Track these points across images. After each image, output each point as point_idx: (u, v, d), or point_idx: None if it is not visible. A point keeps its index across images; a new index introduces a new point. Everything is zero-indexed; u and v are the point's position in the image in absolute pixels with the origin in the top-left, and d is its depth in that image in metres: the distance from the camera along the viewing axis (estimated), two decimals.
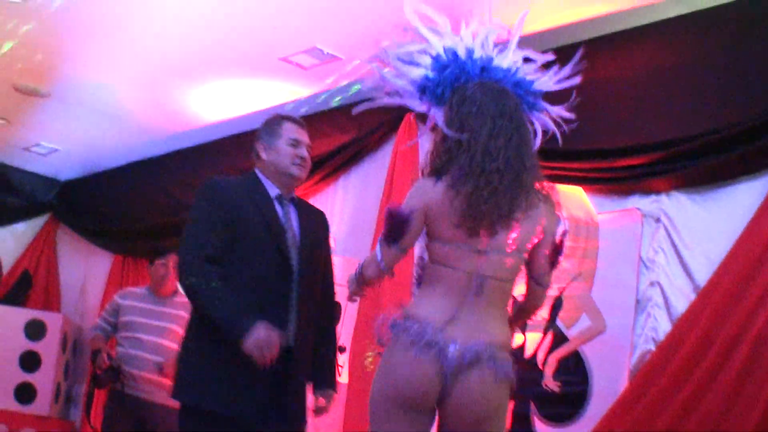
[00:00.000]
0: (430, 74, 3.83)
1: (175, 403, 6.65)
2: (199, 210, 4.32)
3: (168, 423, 6.48)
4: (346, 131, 7.40)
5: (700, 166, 5.29)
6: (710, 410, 4.87)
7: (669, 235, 5.43)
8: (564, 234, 3.76)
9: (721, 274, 5.07)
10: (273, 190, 4.40)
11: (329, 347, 4.63)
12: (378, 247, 3.62)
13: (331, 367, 4.61)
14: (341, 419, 6.68)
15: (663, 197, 5.50)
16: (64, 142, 9.63)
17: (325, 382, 4.48)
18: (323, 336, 4.53)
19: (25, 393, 9.25)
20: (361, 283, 3.74)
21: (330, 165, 7.45)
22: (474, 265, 3.54)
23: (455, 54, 3.83)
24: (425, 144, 4.10)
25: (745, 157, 5.11)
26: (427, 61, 3.86)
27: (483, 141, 3.54)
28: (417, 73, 3.85)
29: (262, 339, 3.92)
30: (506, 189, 3.51)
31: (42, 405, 9.28)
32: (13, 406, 9.18)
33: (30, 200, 10.79)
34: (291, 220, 4.40)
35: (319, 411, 4.45)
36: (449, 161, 3.58)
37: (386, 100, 4.00)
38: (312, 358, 4.42)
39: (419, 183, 3.64)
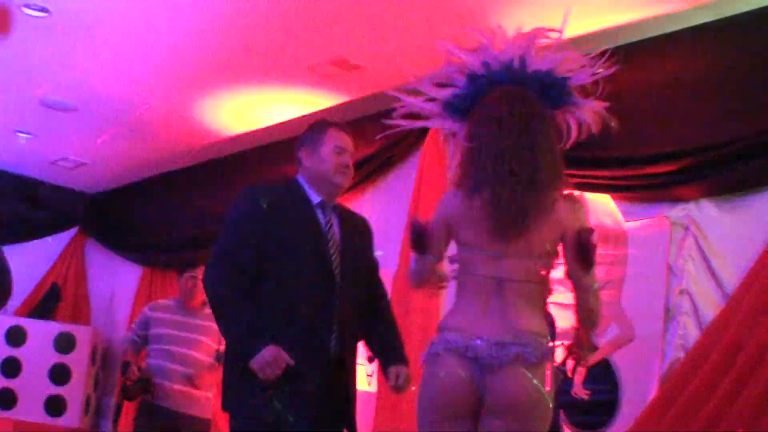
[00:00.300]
0: (459, 91, 3.86)
1: (204, 414, 6.68)
2: (235, 218, 4.26)
3: None
4: (373, 141, 7.39)
5: (728, 174, 5.30)
6: (739, 417, 4.85)
7: (698, 243, 5.43)
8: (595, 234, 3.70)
9: (749, 283, 5.07)
10: (315, 198, 4.30)
11: (390, 328, 4.49)
12: (411, 258, 3.67)
13: (396, 344, 4.43)
14: (371, 427, 6.69)
15: (691, 205, 5.50)
16: (91, 156, 9.64)
17: (394, 358, 4.33)
18: (381, 321, 4.45)
19: (55, 405, 9.32)
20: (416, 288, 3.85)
21: (357, 175, 7.38)
22: (493, 270, 3.56)
23: (488, 66, 3.84)
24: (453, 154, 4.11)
25: None
26: (461, 79, 3.87)
27: (492, 144, 3.57)
28: (447, 92, 3.88)
29: (268, 360, 3.92)
30: (523, 192, 3.52)
31: (72, 417, 9.34)
32: (44, 419, 9.25)
33: (58, 214, 10.81)
34: (333, 227, 4.31)
35: (397, 389, 4.28)
36: (467, 171, 3.63)
37: (410, 124, 4.07)
38: (371, 347, 4.42)
39: (444, 196, 3.73)
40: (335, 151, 4.29)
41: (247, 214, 4.21)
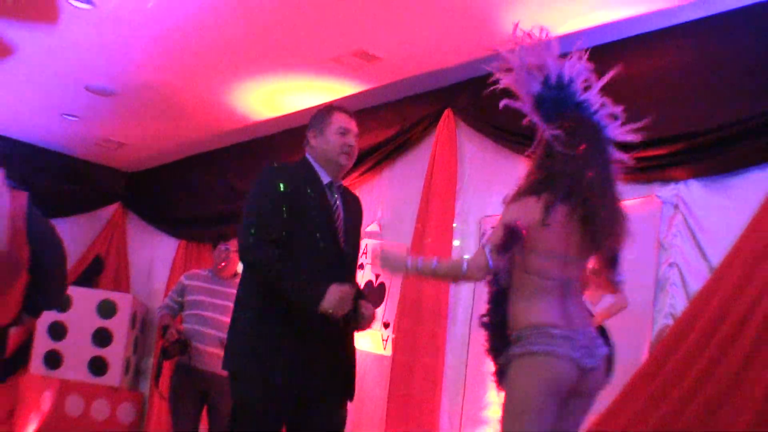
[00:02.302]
0: (545, 92, 3.86)
1: None
2: (260, 194, 4.28)
3: (226, 393, 6.58)
4: (390, 126, 7.40)
5: (714, 157, 5.30)
6: (724, 379, 4.89)
7: (686, 221, 5.45)
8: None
9: (733, 256, 5.08)
10: (326, 178, 4.37)
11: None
12: (487, 253, 3.61)
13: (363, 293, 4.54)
14: (387, 385, 6.78)
15: (681, 185, 5.52)
16: (131, 137, 9.67)
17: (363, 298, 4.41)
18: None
19: (97, 366, 9.40)
20: (461, 280, 3.89)
21: (375, 157, 7.46)
22: (565, 273, 3.69)
23: (563, 80, 3.87)
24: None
25: (756, 149, 5.12)
26: (540, 78, 3.88)
27: (592, 172, 3.68)
28: (536, 88, 3.87)
29: (339, 298, 3.97)
30: (606, 217, 3.69)
31: (113, 377, 9.41)
32: (87, 378, 9.34)
33: (100, 191, 10.85)
34: (338, 206, 4.39)
35: (363, 318, 4.33)
36: (550, 180, 3.67)
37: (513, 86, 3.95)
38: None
39: (524, 201, 3.68)
40: (339, 132, 4.37)
41: (269, 190, 4.25)
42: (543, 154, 3.78)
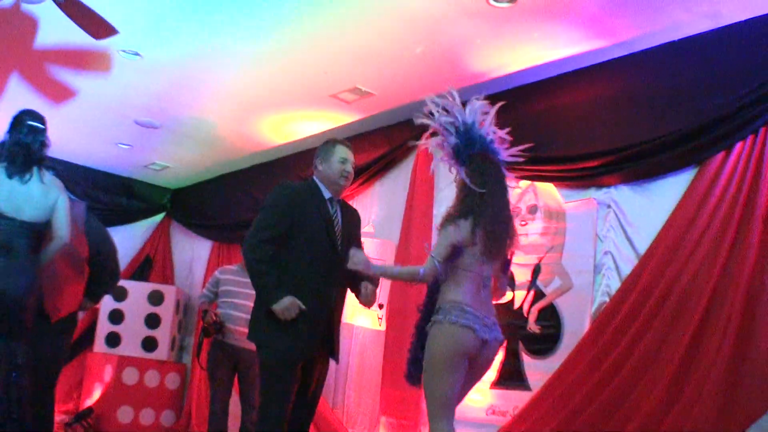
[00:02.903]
0: (458, 140, 4.04)
1: None
2: (269, 205, 4.39)
3: (254, 364, 6.47)
4: (379, 148, 7.38)
5: (638, 166, 5.30)
6: (651, 343, 4.92)
7: (617, 217, 5.44)
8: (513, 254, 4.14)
9: (655, 245, 5.11)
10: (327, 194, 4.48)
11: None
12: (436, 262, 3.85)
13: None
14: (381, 358, 6.77)
15: (612, 189, 5.51)
16: (173, 161, 9.62)
17: (365, 279, 4.45)
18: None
19: (149, 344, 9.38)
20: (418, 282, 3.97)
21: (368, 173, 7.42)
22: (483, 270, 3.90)
23: (467, 123, 4.05)
24: (437, 157, 4.20)
25: (671, 159, 5.12)
26: (453, 130, 4.06)
27: (499, 199, 3.94)
28: (452, 140, 4.05)
29: (286, 305, 4.15)
30: (509, 231, 3.97)
31: (162, 353, 9.40)
32: (141, 354, 9.32)
33: (149, 204, 10.78)
34: (338, 216, 4.48)
35: (365, 297, 4.48)
36: (471, 209, 3.88)
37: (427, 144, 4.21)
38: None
39: (458, 223, 3.88)
40: (340, 161, 4.49)
41: (278, 203, 4.38)
42: (463, 187, 4.00)
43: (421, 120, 4.11)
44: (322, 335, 4.35)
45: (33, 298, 4.38)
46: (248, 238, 4.31)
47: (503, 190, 4.02)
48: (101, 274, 5.41)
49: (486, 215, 3.85)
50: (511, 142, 4.16)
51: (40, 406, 4.83)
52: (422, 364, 3.88)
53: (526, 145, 4.26)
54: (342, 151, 4.54)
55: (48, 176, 4.55)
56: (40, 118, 4.65)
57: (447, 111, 4.08)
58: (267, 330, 4.26)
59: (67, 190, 4.77)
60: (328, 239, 4.37)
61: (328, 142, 4.63)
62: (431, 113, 4.09)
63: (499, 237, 3.89)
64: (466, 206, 3.90)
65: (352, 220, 4.65)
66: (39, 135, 4.55)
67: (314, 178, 4.56)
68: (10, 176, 4.37)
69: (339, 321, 4.55)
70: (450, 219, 3.91)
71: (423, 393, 3.87)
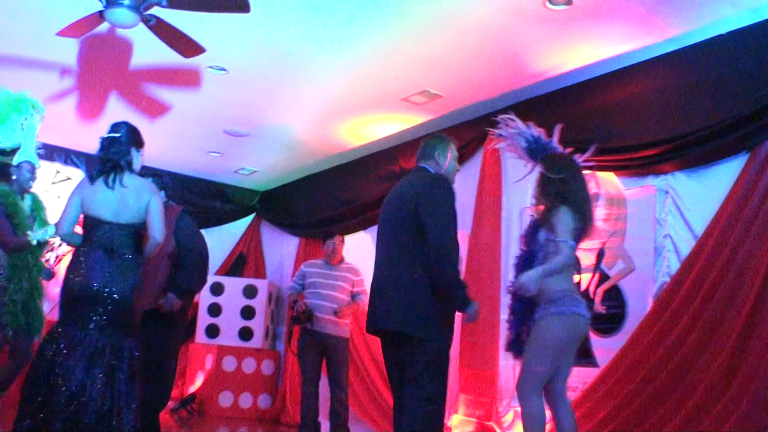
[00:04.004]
0: (530, 146, 4.40)
1: (345, 335, 6.71)
2: (450, 210, 4.13)
3: (339, 349, 6.71)
4: None
5: (693, 153, 5.28)
6: (708, 321, 4.93)
7: (675, 202, 5.44)
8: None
9: (712, 227, 5.11)
10: None
11: None
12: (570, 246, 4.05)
13: None
14: (458, 341, 6.61)
15: (669, 176, 5.51)
16: (261, 166, 9.70)
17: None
18: None
19: (245, 334, 9.53)
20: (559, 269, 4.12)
21: None
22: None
23: (534, 137, 4.39)
24: (504, 153, 4.44)
25: (725, 146, 5.11)
26: (523, 140, 4.41)
27: (581, 184, 4.21)
28: (523, 144, 4.40)
29: (476, 311, 4.13)
30: (590, 214, 4.18)
31: (257, 341, 9.54)
32: (238, 343, 9.49)
33: (241, 206, 10.86)
34: None
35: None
36: (561, 196, 4.10)
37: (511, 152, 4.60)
38: None
39: (562, 210, 4.10)
40: (455, 158, 4.47)
41: (453, 200, 4.17)
42: (544, 180, 4.24)
43: (497, 132, 4.47)
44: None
45: (138, 296, 4.46)
46: (449, 253, 4.03)
47: (582, 178, 4.24)
48: (188, 271, 5.54)
49: (577, 199, 4.08)
50: (572, 135, 4.38)
51: (149, 401, 5.02)
52: (523, 344, 4.11)
53: (589, 153, 4.46)
54: (455, 150, 4.48)
55: (138, 180, 4.56)
56: (116, 127, 4.62)
57: (514, 122, 4.44)
58: (440, 326, 4.05)
59: (171, 198, 4.83)
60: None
61: (443, 138, 4.49)
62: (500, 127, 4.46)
63: (592, 217, 4.13)
64: (550, 194, 4.14)
65: None
66: (115, 144, 4.52)
67: (428, 168, 4.37)
68: (106, 184, 4.46)
69: None
70: (553, 209, 4.09)
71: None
